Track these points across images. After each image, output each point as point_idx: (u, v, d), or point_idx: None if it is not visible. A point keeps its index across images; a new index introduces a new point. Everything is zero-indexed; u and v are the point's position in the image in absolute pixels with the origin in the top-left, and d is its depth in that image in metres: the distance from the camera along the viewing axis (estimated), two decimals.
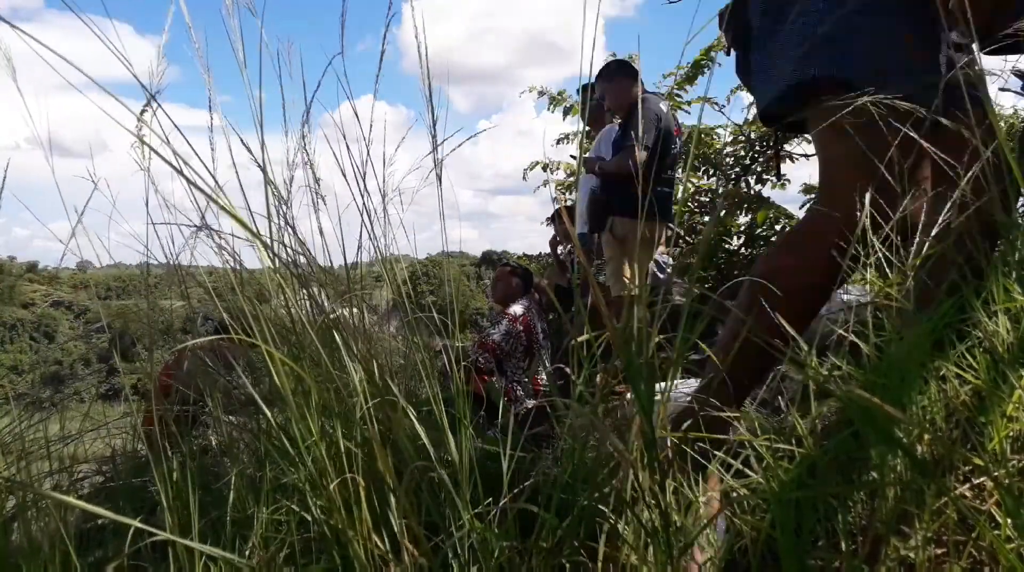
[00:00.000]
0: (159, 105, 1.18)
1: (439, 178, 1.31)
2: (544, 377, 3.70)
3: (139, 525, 0.87)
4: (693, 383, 1.85)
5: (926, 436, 1.02)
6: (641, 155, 3.51)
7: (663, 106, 3.89)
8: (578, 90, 3.13)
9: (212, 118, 1.30)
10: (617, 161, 3.81)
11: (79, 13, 1.00)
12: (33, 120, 1.26)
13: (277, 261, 1.30)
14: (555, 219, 5.26)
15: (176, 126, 1.16)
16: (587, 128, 4.86)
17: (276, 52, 1.33)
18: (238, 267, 1.36)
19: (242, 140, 1.29)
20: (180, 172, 1.04)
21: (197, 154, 1.16)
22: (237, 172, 1.31)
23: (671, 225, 4.08)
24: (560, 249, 4.99)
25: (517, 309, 3.84)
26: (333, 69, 1.33)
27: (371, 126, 1.36)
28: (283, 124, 1.41)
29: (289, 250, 1.35)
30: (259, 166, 1.27)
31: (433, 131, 1.30)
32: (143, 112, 1.15)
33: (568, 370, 1.20)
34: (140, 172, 1.34)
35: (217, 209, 1.17)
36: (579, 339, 1.09)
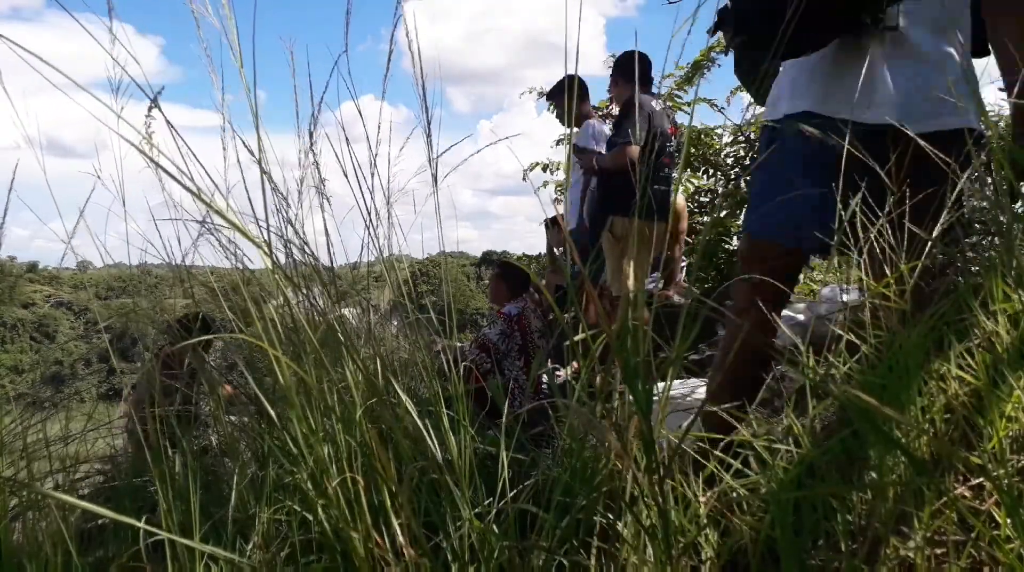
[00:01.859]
0: (160, 108, 1.18)
1: (435, 179, 1.32)
2: (545, 377, 3.70)
3: (140, 525, 0.88)
4: (695, 382, 1.85)
5: (925, 436, 1.02)
6: (634, 150, 3.55)
7: (655, 105, 3.89)
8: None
9: (229, 116, 1.31)
10: (612, 156, 3.83)
11: (76, 16, 1.01)
12: (19, 121, 1.27)
13: (276, 261, 1.30)
14: (553, 224, 5.25)
15: (174, 128, 1.16)
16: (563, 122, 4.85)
17: (284, 52, 1.34)
18: (241, 266, 1.37)
19: (244, 143, 1.29)
20: (179, 181, 1.05)
21: (196, 157, 1.16)
22: (242, 173, 1.31)
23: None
24: (557, 251, 4.99)
25: (512, 309, 3.85)
26: (338, 69, 1.33)
27: (379, 128, 1.37)
28: (287, 124, 1.42)
29: (293, 249, 1.35)
30: (260, 167, 1.28)
31: (428, 131, 1.30)
32: (148, 115, 1.16)
33: (562, 370, 1.20)
34: (142, 171, 1.34)
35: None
36: (576, 338, 1.10)
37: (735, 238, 5.47)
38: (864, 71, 1.27)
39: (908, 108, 1.32)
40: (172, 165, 1.10)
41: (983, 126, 1.38)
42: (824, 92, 1.31)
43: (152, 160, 1.04)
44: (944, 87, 1.30)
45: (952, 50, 1.38)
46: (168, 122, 1.17)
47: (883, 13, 1.26)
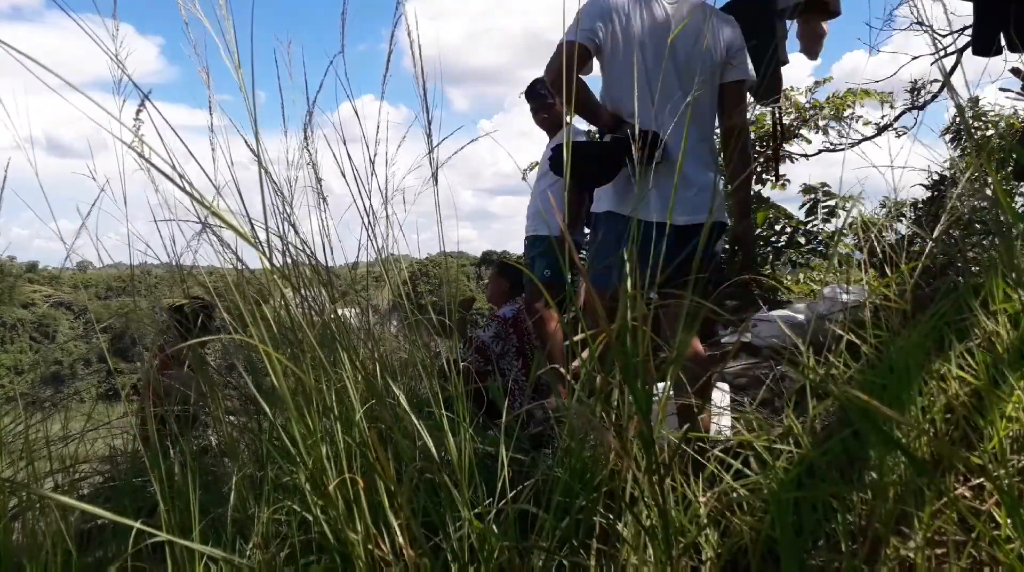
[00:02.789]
0: (154, 105, 1.18)
1: (435, 178, 1.32)
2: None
3: (139, 526, 0.87)
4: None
5: (925, 436, 1.02)
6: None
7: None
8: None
9: (212, 118, 1.31)
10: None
11: (77, 15, 1.01)
12: (13, 121, 1.26)
13: (275, 261, 1.30)
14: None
15: (171, 126, 1.16)
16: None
17: (275, 52, 1.34)
18: (239, 267, 1.37)
19: (246, 141, 1.29)
20: (173, 181, 1.04)
21: (194, 156, 1.16)
22: (233, 173, 1.31)
23: None
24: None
25: (506, 311, 3.84)
26: (334, 69, 1.33)
27: (378, 128, 1.37)
28: (284, 124, 1.42)
29: (291, 250, 1.35)
30: (260, 165, 1.28)
31: (428, 131, 1.30)
32: (136, 117, 1.15)
33: (563, 370, 1.20)
34: (137, 172, 1.34)
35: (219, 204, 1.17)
36: (575, 338, 1.10)
37: None
38: (647, 186, 2.01)
39: (672, 209, 1.98)
40: (167, 165, 1.10)
41: (727, 217, 2.22)
42: (620, 200, 2.07)
43: (146, 160, 1.04)
44: (692, 196, 2.04)
45: (702, 167, 2.10)
46: (165, 121, 1.17)
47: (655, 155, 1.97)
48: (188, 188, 1.09)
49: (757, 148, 5.63)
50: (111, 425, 1.84)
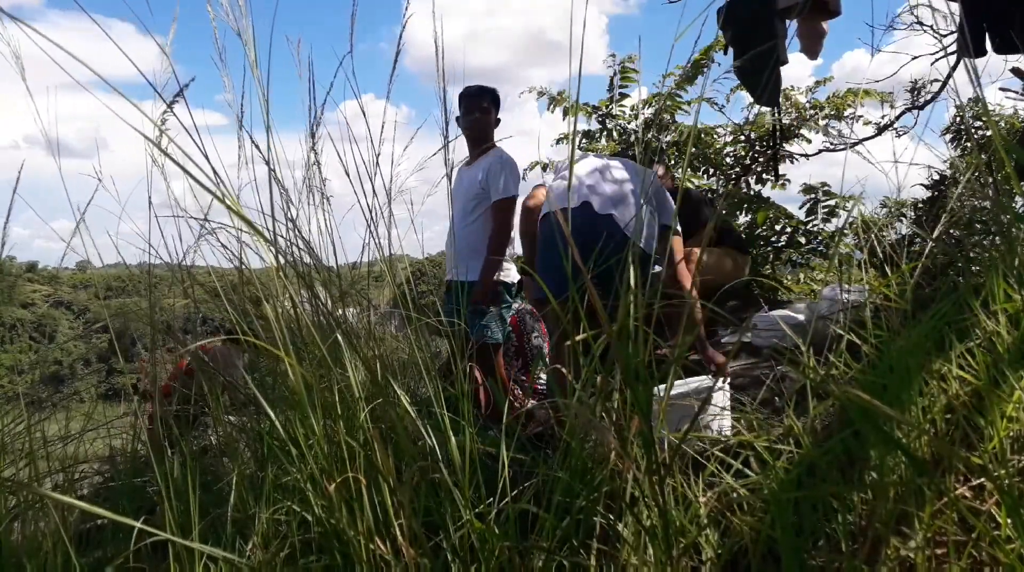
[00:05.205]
0: (181, 107, 1.18)
1: (449, 178, 1.33)
2: (543, 377, 3.70)
3: (139, 526, 0.87)
4: (695, 382, 1.86)
5: (926, 436, 1.02)
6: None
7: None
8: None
9: (242, 117, 1.31)
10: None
11: (87, 14, 1.01)
12: (41, 117, 1.27)
13: (283, 260, 1.30)
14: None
15: (186, 129, 1.16)
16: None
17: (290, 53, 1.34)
18: (242, 266, 1.37)
19: (252, 140, 1.29)
20: (187, 172, 1.04)
21: (204, 155, 1.16)
22: (244, 171, 1.31)
23: None
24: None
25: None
26: (343, 69, 1.34)
27: (383, 128, 1.37)
28: (285, 124, 1.42)
29: (296, 249, 1.35)
30: (269, 167, 1.28)
31: (445, 133, 1.31)
32: (165, 113, 1.16)
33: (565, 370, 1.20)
34: (142, 170, 1.35)
35: (221, 208, 1.17)
36: (577, 338, 1.09)
37: None
38: None
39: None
40: (189, 161, 1.11)
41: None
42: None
43: (167, 154, 1.04)
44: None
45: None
46: (182, 124, 1.17)
47: None
48: (206, 181, 1.09)
49: (757, 148, 5.63)
50: (111, 425, 1.84)
